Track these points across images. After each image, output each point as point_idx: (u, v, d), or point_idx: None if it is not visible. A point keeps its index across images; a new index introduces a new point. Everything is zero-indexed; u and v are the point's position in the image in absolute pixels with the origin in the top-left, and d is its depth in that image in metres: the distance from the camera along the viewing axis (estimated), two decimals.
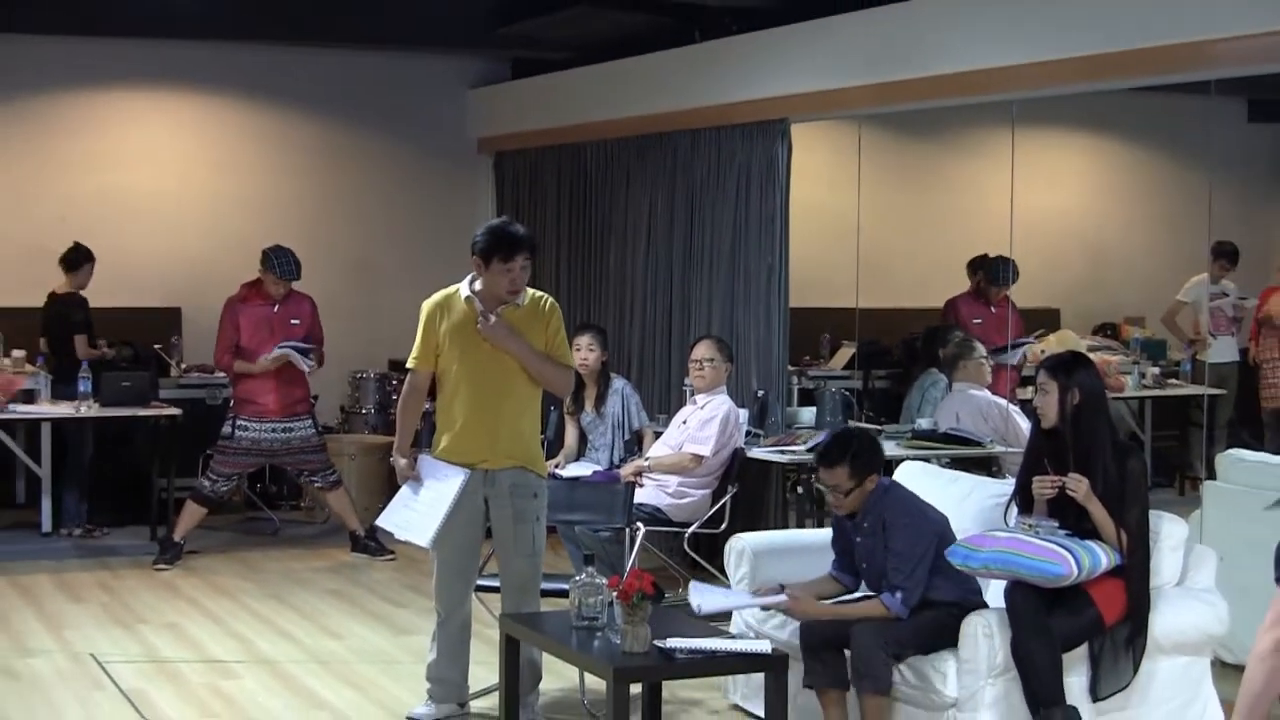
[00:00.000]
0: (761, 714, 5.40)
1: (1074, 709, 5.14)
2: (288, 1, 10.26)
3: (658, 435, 8.39)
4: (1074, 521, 5.29)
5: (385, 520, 6.10)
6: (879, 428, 8.71)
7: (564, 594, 5.61)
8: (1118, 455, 5.35)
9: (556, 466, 8.06)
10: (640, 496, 7.77)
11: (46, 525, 9.71)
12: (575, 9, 9.73)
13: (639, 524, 7.66)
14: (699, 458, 7.89)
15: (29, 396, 9.44)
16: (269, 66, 11.37)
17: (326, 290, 9.86)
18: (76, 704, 6.32)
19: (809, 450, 7.97)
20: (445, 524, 5.87)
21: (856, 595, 5.63)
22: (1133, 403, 11.16)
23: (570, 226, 10.58)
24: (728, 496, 7.94)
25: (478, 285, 5.92)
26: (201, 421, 9.81)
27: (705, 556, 8.09)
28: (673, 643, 5.09)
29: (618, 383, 8.57)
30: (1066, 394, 5.38)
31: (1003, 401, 8.60)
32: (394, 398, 10.22)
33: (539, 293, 6.02)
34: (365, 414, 10.89)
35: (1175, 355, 11.67)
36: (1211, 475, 7.18)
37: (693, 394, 8.21)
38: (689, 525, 7.91)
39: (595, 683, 5.79)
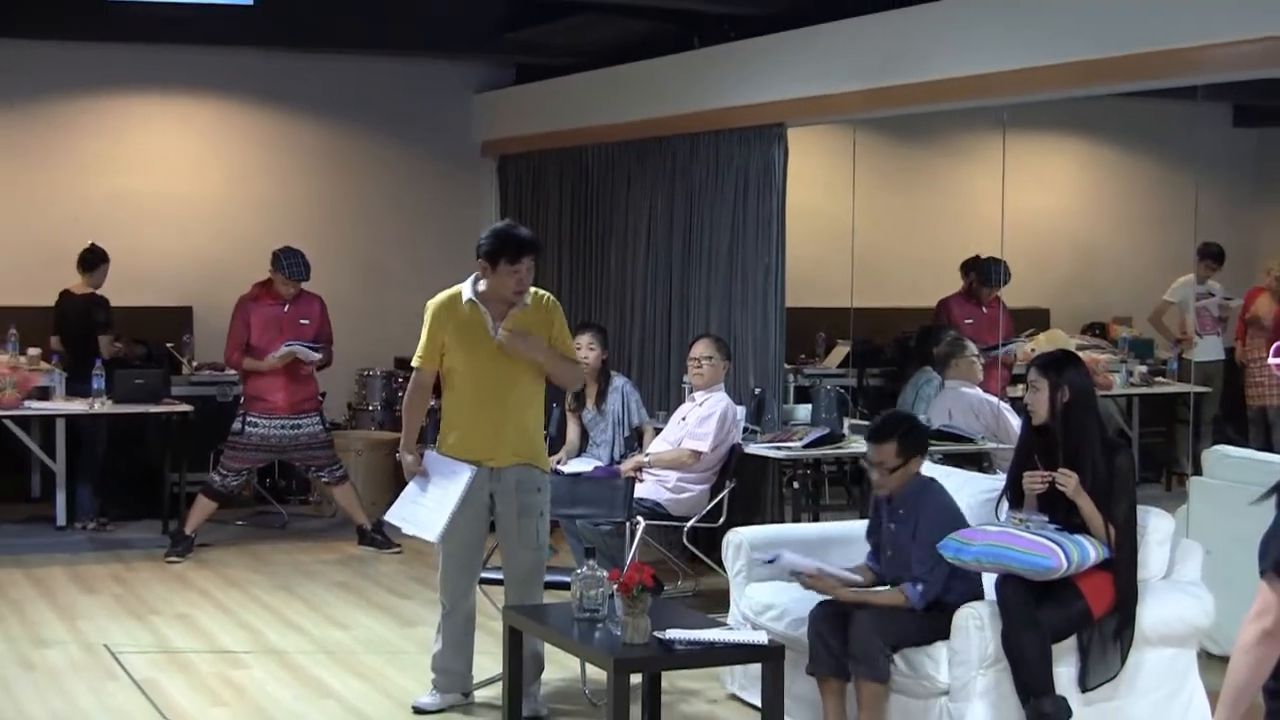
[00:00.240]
0: (758, 703, 5.39)
1: (1063, 699, 5.14)
2: (298, 9, 10.25)
3: (657, 432, 8.39)
4: (1063, 516, 5.29)
5: (393, 515, 6.09)
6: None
7: (566, 586, 5.61)
8: (1106, 451, 5.35)
9: (559, 462, 8.05)
10: (640, 491, 7.76)
11: (61, 519, 9.71)
12: (578, 16, 9.73)
13: (639, 518, 7.66)
14: (697, 453, 7.89)
15: (44, 393, 9.44)
16: (279, 72, 11.36)
17: (334, 290, 9.85)
18: (90, 693, 6.32)
19: (805, 446, 7.99)
20: (452, 519, 5.87)
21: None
22: (1121, 400, 11.17)
23: (572, 228, 10.58)
24: (725, 491, 7.93)
25: (482, 286, 5.89)
26: (212, 418, 9.80)
27: (704, 550, 8.09)
28: (672, 634, 5.09)
29: (618, 380, 8.57)
30: (1056, 391, 5.38)
31: (994, 399, 8.60)
32: (400, 395, 10.21)
33: (540, 290, 6.01)
34: (372, 411, 10.89)
35: (1162, 354, 11.68)
36: (1197, 471, 7.17)
37: (691, 391, 8.21)
38: (688, 519, 7.91)
39: (596, 673, 5.79)
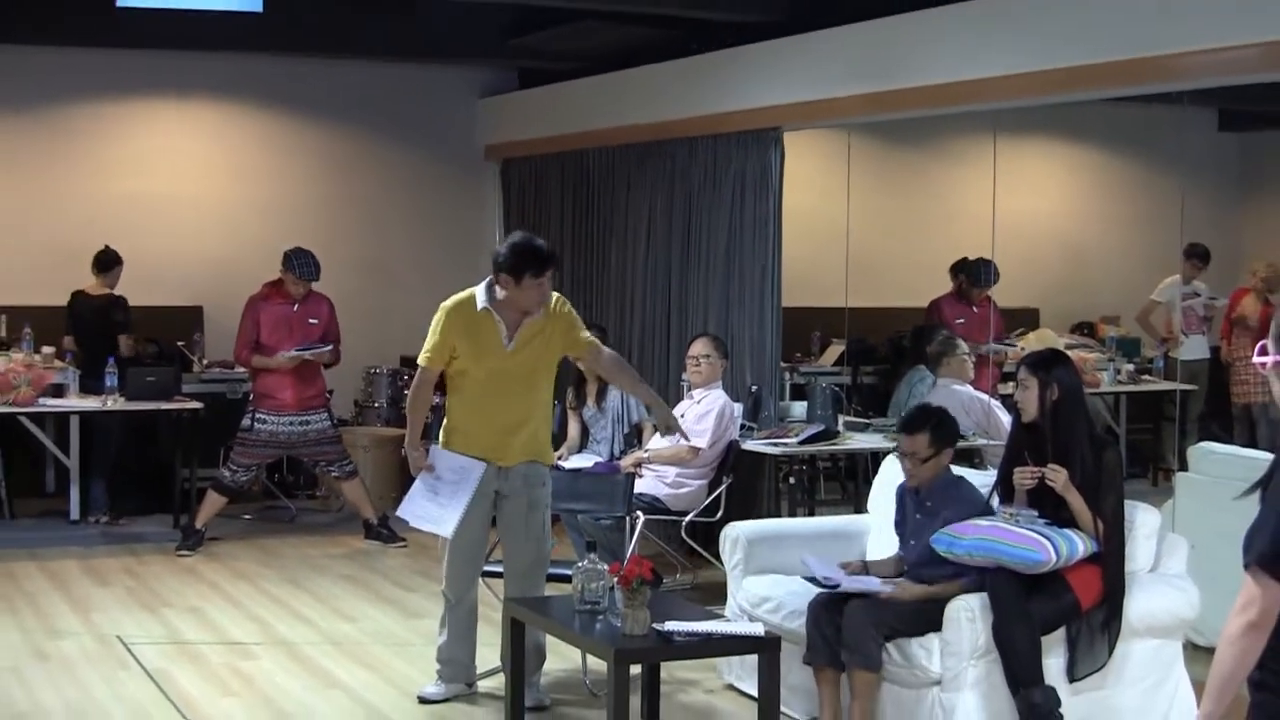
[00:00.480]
0: (755, 693, 5.39)
1: (1052, 689, 5.14)
2: (306, 16, 10.25)
3: (656, 428, 8.38)
4: (1052, 511, 5.30)
5: (404, 511, 6.04)
6: (867, 420, 8.71)
7: (567, 579, 5.61)
8: (1094, 447, 5.35)
9: (560, 458, 8.05)
10: (640, 486, 7.76)
11: (75, 513, 9.71)
12: (580, 23, 9.73)
13: (639, 513, 7.65)
14: (696, 449, 7.88)
15: (58, 391, 9.44)
16: (287, 78, 11.36)
17: (341, 290, 9.85)
18: (103, 683, 6.32)
19: (801, 443, 7.99)
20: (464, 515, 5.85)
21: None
22: (1108, 398, 11.16)
23: (573, 230, 10.57)
24: (723, 486, 7.92)
25: (500, 295, 5.83)
26: (222, 415, 9.80)
27: (702, 544, 8.08)
28: (671, 626, 5.09)
29: None
30: (1046, 389, 5.38)
31: (984, 396, 8.60)
32: (405, 392, 10.19)
33: (552, 293, 5.97)
34: (378, 408, 10.88)
35: (1149, 352, 11.67)
36: (1183, 467, 7.18)
37: (690, 389, 8.20)
38: (686, 514, 7.90)
39: (597, 663, 5.78)
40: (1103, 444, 5.43)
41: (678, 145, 9.39)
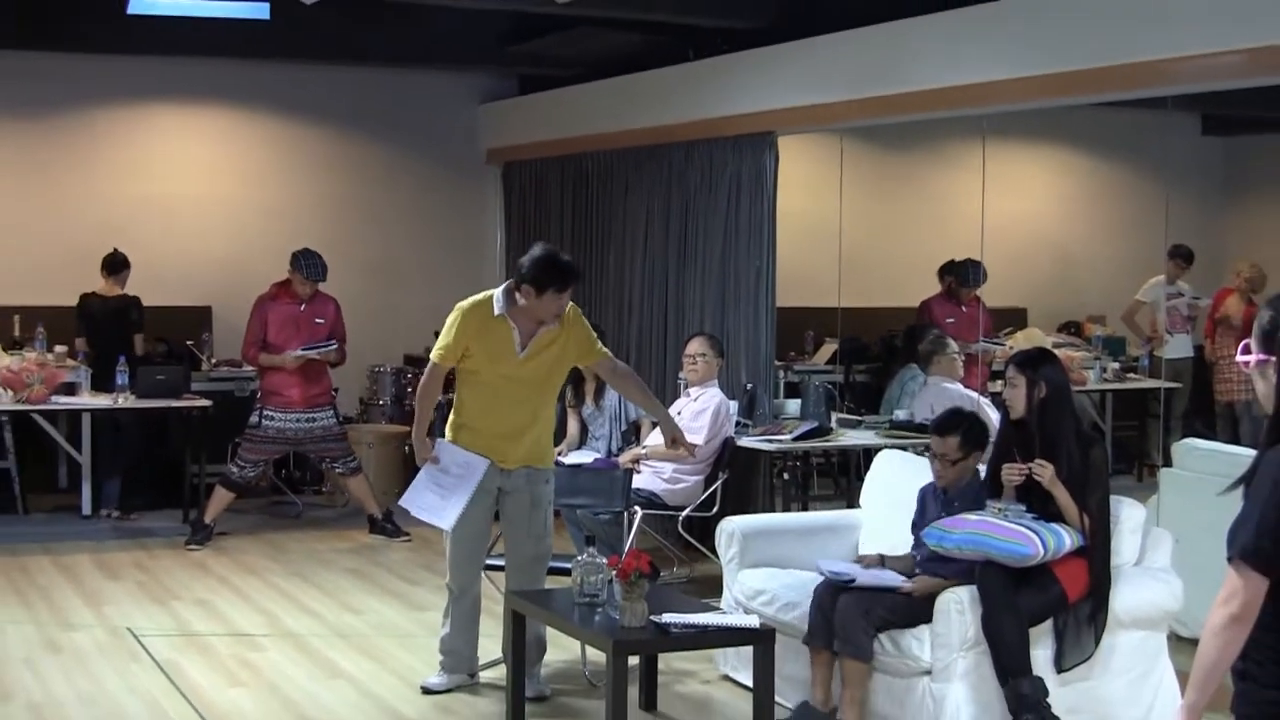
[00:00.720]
0: (749, 684, 5.39)
1: (1040, 679, 5.14)
2: (312, 24, 10.23)
3: (654, 425, 8.38)
4: (1040, 505, 5.29)
5: (407, 502, 6.02)
6: (859, 418, 8.71)
7: (567, 572, 5.61)
8: (1081, 444, 5.35)
9: (559, 455, 8.04)
10: (638, 482, 7.76)
11: (86, 508, 9.71)
12: (579, 30, 9.72)
13: (636, 508, 7.66)
14: (693, 448, 7.87)
15: (70, 389, 9.43)
16: (294, 84, 11.35)
17: (346, 291, 9.84)
18: (115, 674, 6.32)
19: (795, 439, 7.98)
20: (464, 509, 5.85)
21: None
22: (1095, 395, 11.16)
23: (573, 232, 10.56)
24: (719, 482, 7.92)
25: (520, 302, 5.78)
26: (231, 412, 9.79)
27: (698, 538, 8.08)
28: (668, 618, 5.09)
29: None
30: (1033, 387, 5.38)
31: (974, 394, 8.60)
32: (410, 391, 10.23)
33: None
34: (382, 405, 10.87)
35: (1134, 351, 11.67)
36: (1168, 463, 7.17)
37: (686, 387, 8.20)
38: (683, 509, 7.90)
39: (596, 655, 5.79)
40: (1089, 440, 5.43)
41: (675, 149, 9.38)
